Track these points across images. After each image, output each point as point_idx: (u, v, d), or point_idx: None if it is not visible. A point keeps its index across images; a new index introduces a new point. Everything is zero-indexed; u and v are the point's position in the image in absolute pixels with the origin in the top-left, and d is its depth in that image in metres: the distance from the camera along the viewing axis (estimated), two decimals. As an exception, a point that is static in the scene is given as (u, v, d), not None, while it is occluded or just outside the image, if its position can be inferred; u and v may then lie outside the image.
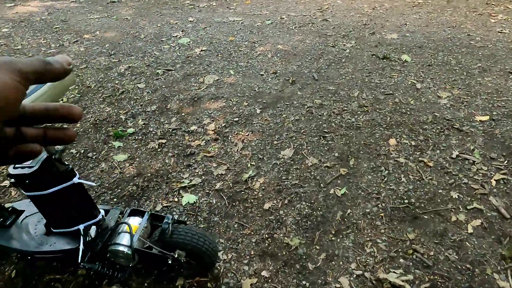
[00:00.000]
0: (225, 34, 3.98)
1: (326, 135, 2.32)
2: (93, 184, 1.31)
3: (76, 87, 3.09)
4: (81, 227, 1.34)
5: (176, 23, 4.42)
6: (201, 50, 3.62)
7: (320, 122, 2.45)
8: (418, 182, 1.94)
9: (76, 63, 3.50)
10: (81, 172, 2.16)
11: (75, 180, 1.23)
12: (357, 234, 1.68)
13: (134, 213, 1.47)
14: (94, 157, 2.29)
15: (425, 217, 1.74)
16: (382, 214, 1.77)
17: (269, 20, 4.31)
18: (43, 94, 0.99)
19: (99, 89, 3.04)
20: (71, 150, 2.35)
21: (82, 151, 2.33)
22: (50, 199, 1.23)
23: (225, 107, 2.68)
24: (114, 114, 2.70)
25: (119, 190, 2.02)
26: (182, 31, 4.12)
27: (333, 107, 2.60)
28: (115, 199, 1.96)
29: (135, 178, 2.09)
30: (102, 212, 1.47)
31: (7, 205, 1.55)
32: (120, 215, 1.53)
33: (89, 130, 2.54)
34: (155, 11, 4.94)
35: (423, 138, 2.25)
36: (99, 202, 1.94)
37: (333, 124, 2.42)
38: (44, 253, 1.35)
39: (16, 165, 1.16)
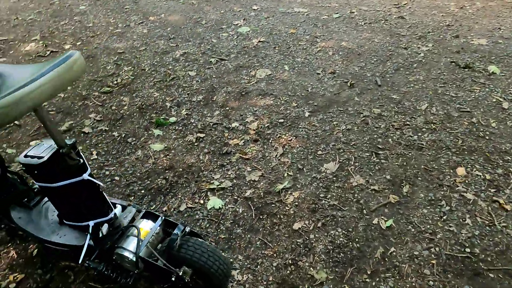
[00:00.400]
0: (287, 25, 3.75)
1: (380, 152, 2.02)
2: (101, 184, 1.22)
3: (132, 68, 3.12)
4: (91, 223, 1.27)
5: (240, 10, 4.28)
6: (259, 41, 3.44)
7: (375, 136, 2.14)
8: (487, 227, 1.57)
9: (137, 45, 3.55)
10: (118, 157, 2.15)
11: (85, 176, 1.15)
12: (398, 280, 1.40)
13: (148, 215, 1.37)
14: (133, 142, 2.26)
15: (491, 275, 1.40)
16: (433, 261, 1.46)
17: (337, 13, 3.97)
18: (47, 82, 0.88)
19: (152, 73, 3.04)
20: (113, 133, 2.35)
21: (123, 135, 2.33)
22: (58, 192, 1.17)
23: (272, 106, 2.49)
24: (161, 100, 2.66)
25: (149, 182, 1.96)
26: (244, 20, 3.98)
27: (393, 119, 2.27)
28: (142, 191, 1.91)
29: (166, 171, 2.02)
30: (119, 208, 1.40)
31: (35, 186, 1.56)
32: (137, 213, 1.45)
33: (135, 114, 2.53)
34: (221, -3, 4.86)
35: (503, 172, 1.84)
36: (126, 192, 1.90)
37: (390, 140, 2.10)
38: (52, 244, 1.31)
39: (28, 154, 1.11)
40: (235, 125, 2.34)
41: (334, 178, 1.88)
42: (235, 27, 3.82)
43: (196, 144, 2.21)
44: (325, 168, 1.94)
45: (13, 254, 1.61)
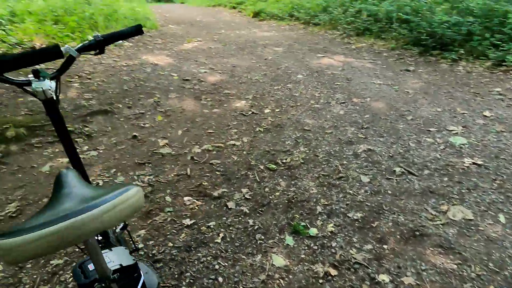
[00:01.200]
0: (528, 151, 2.65)
1: None
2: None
3: (306, 151, 2.93)
4: None
5: (463, 113, 3.43)
6: (473, 163, 2.56)
7: None
8: None
9: (326, 126, 3.37)
10: (236, 252, 1.93)
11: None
12: None
13: None
14: (259, 241, 2.00)
15: None
16: None
17: None
18: (113, 208, 0.75)
19: (323, 162, 2.74)
20: (249, 220, 2.17)
21: (255, 228, 2.10)
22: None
23: (452, 274, 1.67)
24: (314, 200, 2.31)
25: (244, 305, 1.61)
26: (463, 127, 3.13)
27: None
28: (232, 314, 1.58)
29: (269, 302, 1.62)
30: None
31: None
32: None
33: (280, 206, 2.28)
34: (446, 90, 4.10)
35: None
36: (216, 306, 1.62)
37: None
38: None
39: (82, 264, 1.00)
40: (383, 279, 1.68)
41: None
42: (447, 133, 3.04)
43: (321, 281, 1.70)
44: None
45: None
